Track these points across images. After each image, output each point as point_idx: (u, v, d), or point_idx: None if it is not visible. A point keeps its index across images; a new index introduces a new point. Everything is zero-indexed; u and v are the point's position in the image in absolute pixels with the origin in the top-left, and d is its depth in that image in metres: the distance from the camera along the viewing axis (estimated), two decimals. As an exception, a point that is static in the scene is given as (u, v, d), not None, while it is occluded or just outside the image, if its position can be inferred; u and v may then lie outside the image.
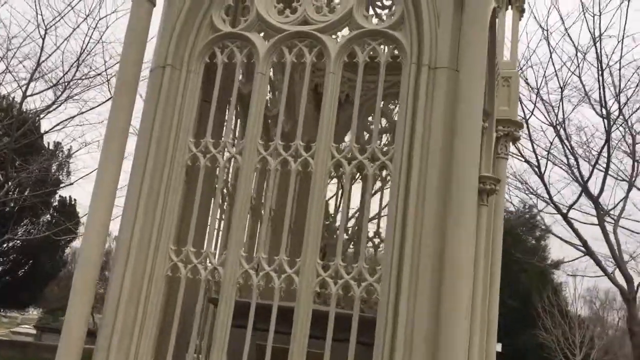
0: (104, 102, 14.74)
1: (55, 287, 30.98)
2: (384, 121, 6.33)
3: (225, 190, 5.09)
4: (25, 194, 18.38)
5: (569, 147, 12.71)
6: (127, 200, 4.43)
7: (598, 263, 12.28)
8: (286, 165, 4.27)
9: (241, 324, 4.04)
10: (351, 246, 5.94)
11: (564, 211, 12.25)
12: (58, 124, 15.77)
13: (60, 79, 14.61)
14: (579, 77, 12.49)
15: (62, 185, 22.46)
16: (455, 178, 3.73)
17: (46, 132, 15.91)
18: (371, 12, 4.79)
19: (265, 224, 4.34)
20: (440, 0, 4.11)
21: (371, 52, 4.28)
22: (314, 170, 4.17)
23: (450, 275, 3.59)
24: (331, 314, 3.89)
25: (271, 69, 4.93)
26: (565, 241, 13.00)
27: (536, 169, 12.61)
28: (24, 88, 14.84)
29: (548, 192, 12.54)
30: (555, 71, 12.48)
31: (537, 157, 12.58)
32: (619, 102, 12.21)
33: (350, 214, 7.38)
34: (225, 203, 5.16)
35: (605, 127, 12.13)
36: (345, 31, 4.49)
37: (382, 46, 4.31)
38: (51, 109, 15.42)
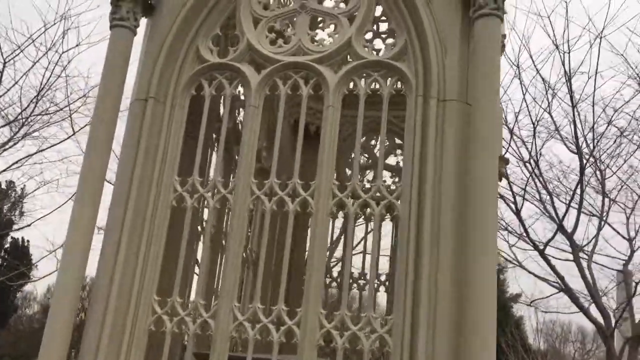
0: (65, 139, 14.10)
1: (6, 332, 29.44)
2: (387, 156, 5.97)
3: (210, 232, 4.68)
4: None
5: (543, 184, 12.72)
6: (105, 244, 4.00)
7: (575, 299, 12.17)
8: (282, 206, 3.93)
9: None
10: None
11: (541, 247, 12.17)
12: (15, 163, 15.00)
13: (18, 115, 13.96)
14: (550, 113, 12.59)
15: (15, 227, 21.37)
16: (472, 216, 3.44)
17: (1, 172, 15.13)
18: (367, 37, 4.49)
19: (260, 270, 3.95)
20: (446, 29, 3.89)
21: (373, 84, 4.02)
22: (314, 211, 3.83)
23: (473, 323, 3.27)
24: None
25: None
26: (540, 277, 12.90)
27: (512, 205, 12.56)
28: (-23, 125, 14.12)
29: (525, 229, 12.47)
30: (527, 107, 12.56)
31: (513, 194, 12.54)
32: (593, 139, 12.32)
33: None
34: (202, 243, 4.73)
35: (579, 163, 12.19)
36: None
37: (384, 78, 4.05)
38: (7, 146, 14.69)
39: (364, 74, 4.07)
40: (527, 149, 12.88)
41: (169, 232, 4.07)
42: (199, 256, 4.53)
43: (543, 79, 12.39)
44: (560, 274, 12.19)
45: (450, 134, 3.68)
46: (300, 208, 3.90)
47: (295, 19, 4.33)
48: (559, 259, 12.79)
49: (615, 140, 12.57)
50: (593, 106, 12.00)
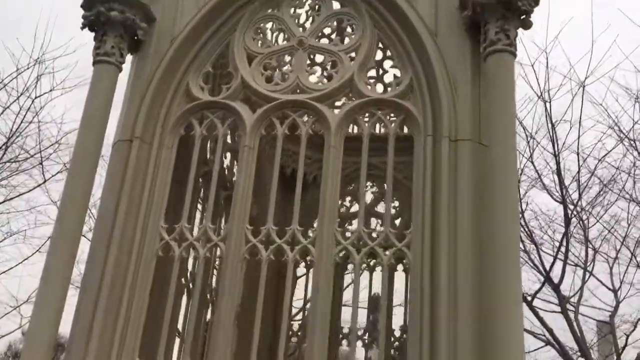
0: (34, 188, 13.47)
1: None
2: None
3: (192, 285, 4.28)
4: None
5: (527, 233, 12.54)
6: (80, 302, 3.57)
7: (565, 353, 11.83)
8: (281, 255, 3.58)
9: None
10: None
11: (529, 299, 11.90)
12: (-21, 212, 14.27)
13: (-17, 163, 13.36)
14: (532, 162, 12.54)
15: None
16: (492, 274, 3.13)
17: (-35, 223, 14.39)
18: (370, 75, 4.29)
19: (256, 333, 3.50)
20: (455, 65, 3.68)
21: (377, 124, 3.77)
22: (317, 260, 3.49)
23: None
24: None
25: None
26: (527, 331, 12.55)
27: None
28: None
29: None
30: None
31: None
32: (578, 188, 12.24)
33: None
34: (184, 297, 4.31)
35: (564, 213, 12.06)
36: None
37: (388, 117, 3.81)
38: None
39: (367, 113, 3.82)
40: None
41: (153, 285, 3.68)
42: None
43: (524, 128, 12.35)
44: (549, 327, 11.85)
45: (463, 174, 3.41)
46: (300, 257, 3.58)
47: (292, 56, 4.10)
48: (546, 311, 12.48)
49: (600, 191, 12.50)
50: (578, 155, 11.95)
